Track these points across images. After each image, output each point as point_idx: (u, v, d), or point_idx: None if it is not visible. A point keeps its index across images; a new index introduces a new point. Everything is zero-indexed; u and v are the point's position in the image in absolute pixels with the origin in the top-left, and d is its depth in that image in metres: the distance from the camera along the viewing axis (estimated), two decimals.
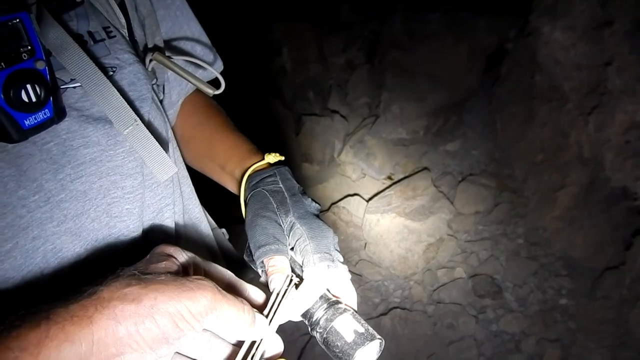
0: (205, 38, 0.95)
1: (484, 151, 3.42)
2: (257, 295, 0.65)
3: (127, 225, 0.68)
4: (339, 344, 0.63)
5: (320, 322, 0.65)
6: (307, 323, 0.68)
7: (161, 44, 0.84)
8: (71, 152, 0.62)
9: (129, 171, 0.68)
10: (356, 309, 0.69)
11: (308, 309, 0.67)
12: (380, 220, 3.42)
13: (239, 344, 0.58)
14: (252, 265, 0.74)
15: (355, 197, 3.62)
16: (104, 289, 0.49)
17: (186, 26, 0.91)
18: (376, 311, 2.98)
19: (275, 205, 0.74)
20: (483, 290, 2.98)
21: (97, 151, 0.65)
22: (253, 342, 0.59)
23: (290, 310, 0.65)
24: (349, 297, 0.69)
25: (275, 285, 0.66)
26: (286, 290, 0.66)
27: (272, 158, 0.83)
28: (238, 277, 1.00)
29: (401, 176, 3.67)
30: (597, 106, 2.64)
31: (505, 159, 3.29)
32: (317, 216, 0.74)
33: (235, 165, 0.88)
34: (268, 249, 0.69)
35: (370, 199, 3.58)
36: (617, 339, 2.50)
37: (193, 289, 0.51)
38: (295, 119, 3.99)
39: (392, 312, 2.93)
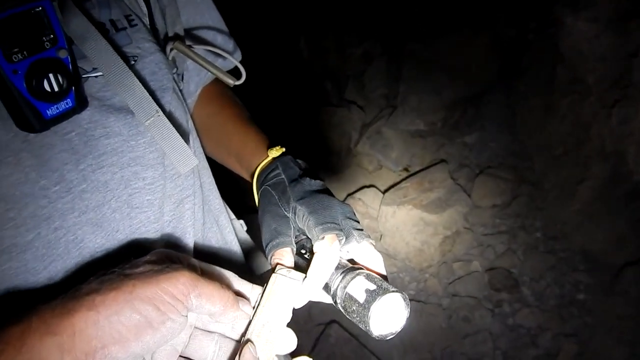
0: (224, 27, 0.95)
1: (503, 144, 3.38)
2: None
3: (147, 216, 0.67)
4: (355, 309, 0.61)
5: (337, 293, 0.64)
6: (332, 300, 0.66)
7: (181, 33, 0.83)
8: (92, 142, 0.62)
9: (150, 162, 0.67)
10: (383, 272, 0.67)
11: (326, 284, 0.65)
12: (397, 212, 3.40)
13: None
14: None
15: (371, 188, 3.59)
16: (84, 286, 0.50)
17: (207, 14, 0.90)
18: None
19: (277, 197, 0.73)
20: (499, 284, 2.96)
21: (119, 141, 0.64)
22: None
23: (286, 304, 0.62)
24: (372, 261, 0.67)
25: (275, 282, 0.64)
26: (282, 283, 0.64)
27: (275, 152, 0.81)
28: (257, 270, 1.01)
29: (418, 168, 3.64)
30: (620, 99, 2.59)
31: (524, 152, 3.25)
32: (321, 191, 0.73)
33: (247, 162, 0.88)
34: (271, 246, 0.69)
35: (386, 190, 3.56)
36: (637, 335, 2.46)
37: (171, 272, 0.52)
38: (311, 109, 3.98)
39: None
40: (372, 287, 0.61)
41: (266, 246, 0.69)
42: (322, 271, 0.63)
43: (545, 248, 3.01)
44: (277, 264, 0.67)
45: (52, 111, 0.56)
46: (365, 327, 0.61)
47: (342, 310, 0.64)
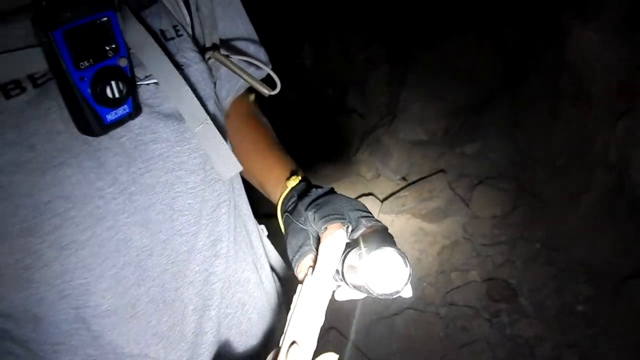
0: (256, 38, 0.96)
1: (503, 154, 3.38)
2: None
3: (188, 219, 0.71)
4: (354, 276, 0.64)
5: (340, 270, 0.66)
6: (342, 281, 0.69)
7: (217, 43, 0.85)
8: (142, 146, 0.65)
9: (193, 167, 0.71)
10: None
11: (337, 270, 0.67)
12: (395, 221, 3.37)
13: None
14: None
15: (370, 196, 3.57)
16: None
17: (241, 26, 0.91)
18: (388, 311, 2.92)
19: (294, 217, 0.77)
20: (497, 294, 2.92)
21: (166, 147, 0.67)
22: None
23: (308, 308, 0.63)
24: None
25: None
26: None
27: (293, 182, 0.85)
28: (281, 274, 1.08)
29: (416, 177, 3.62)
30: (626, 110, 2.59)
31: (525, 162, 3.24)
32: (327, 193, 0.77)
33: (270, 193, 0.92)
34: (294, 260, 0.72)
35: (385, 199, 3.53)
36: (638, 346, 2.42)
37: None
38: (313, 116, 3.96)
39: (405, 312, 2.87)
40: (364, 249, 0.62)
41: (292, 262, 0.73)
42: (327, 258, 0.65)
43: (545, 259, 2.97)
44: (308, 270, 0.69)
45: (111, 116, 0.59)
46: (367, 289, 0.61)
47: (350, 286, 0.66)
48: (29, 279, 0.59)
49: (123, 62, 0.59)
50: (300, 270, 0.70)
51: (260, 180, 0.95)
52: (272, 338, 0.93)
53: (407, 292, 0.66)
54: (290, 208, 0.81)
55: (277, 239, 0.93)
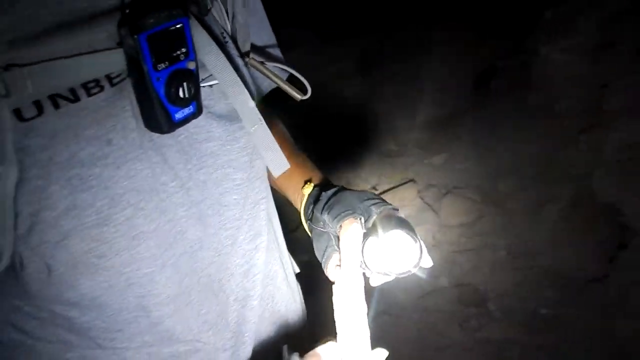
0: (277, 44, 1.00)
1: (471, 165, 3.53)
2: None
3: (233, 214, 0.76)
4: (376, 266, 0.71)
5: (365, 262, 0.72)
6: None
7: (249, 49, 0.89)
8: (197, 144, 0.70)
9: (241, 165, 0.76)
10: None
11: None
12: None
13: None
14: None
15: None
16: None
17: (266, 33, 0.96)
18: None
19: (315, 225, 0.84)
20: (467, 299, 3.04)
21: (217, 145, 0.72)
22: None
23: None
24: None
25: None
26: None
27: (307, 189, 0.90)
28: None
29: (386, 187, 3.71)
30: (591, 126, 2.79)
31: (492, 174, 3.40)
32: (337, 192, 0.83)
33: (292, 200, 0.97)
34: (322, 264, 0.80)
35: None
36: (603, 349, 2.59)
37: None
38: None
39: (379, 317, 2.93)
40: (373, 237, 0.70)
41: (322, 265, 0.80)
42: (348, 252, 0.71)
43: (511, 266, 3.12)
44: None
45: (179, 115, 0.64)
46: (387, 271, 0.70)
47: (372, 270, 0.73)
48: (101, 267, 0.61)
49: (192, 65, 0.64)
50: (330, 271, 0.77)
51: (281, 187, 1.00)
52: (296, 332, 0.98)
53: (427, 262, 0.75)
54: (310, 215, 0.87)
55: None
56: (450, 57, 3.74)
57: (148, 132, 0.63)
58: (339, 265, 0.75)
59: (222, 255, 0.76)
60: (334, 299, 0.71)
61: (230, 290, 0.78)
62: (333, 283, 0.73)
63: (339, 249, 0.75)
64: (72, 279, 0.61)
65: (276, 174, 0.80)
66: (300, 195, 0.91)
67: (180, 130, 0.66)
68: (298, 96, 0.83)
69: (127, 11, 0.58)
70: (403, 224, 0.73)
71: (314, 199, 0.87)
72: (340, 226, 0.74)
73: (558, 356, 2.69)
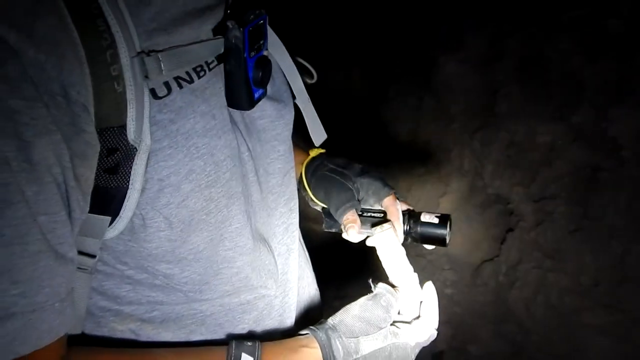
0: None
1: (372, 163, 3.81)
2: None
3: (277, 181, 0.87)
4: (430, 231, 0.95)
5: (414, 228, 0.96)
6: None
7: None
8: (254, 121, 0.81)
9: (283, 139, 0.87)
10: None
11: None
12: None
13: None
14: (332, 230, 1.00)
15: None
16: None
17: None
18: None
19: (338, 178, 0.97)
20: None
21: (267, 122, 0.83)
22: None
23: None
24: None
25: (351, 234, 0.92)
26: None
27: (315, 152, 1.05)
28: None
29: None
30: (481, 126, 3.21)
31: (391, 172, 3.71)
32: (366, 167, 1.01)
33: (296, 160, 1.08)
34: (344, 208, 0.93)
35: None
36: (499, 317, 3.00)
37: None
38: None
39: None
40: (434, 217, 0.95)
41: (337, 209, 0.93)
42: (399, 219, 0.94)
43: (415, 253, 3.44)
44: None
45: (257, 95, 0.75)
46: (443, 237, 0.94)
47: (419, 238, 0.95)
48: (207, 222, 0.70)
49: (267, 54, 0.77)
50: (348, 218, 0.92)
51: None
52: (314, 289, 1.11)
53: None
54: (327, 169, 0.99)
55: None
56: (350, 65, 4.00)
57: (228, 109, 0.74)
58: (361, 216, 0.93)
59: (270, 216, 0.87)
60: (378, 251, 0.88)
61: (275, 244, 0.89)
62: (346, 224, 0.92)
63: (366, 215, 0.95)
64: (185, 234, 0.68)
65: (317, 142, 0.99)
66: (305, 156, 1.05)
67: None
68: (308, 80, 0.96)
69: (229, 12, 0.71)
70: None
71: (331, 159, 1.02)
72: (387, 197, 0.95)
73: (461, 328, 3.05)
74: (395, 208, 0.94)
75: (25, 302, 0.54)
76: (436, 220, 0.94)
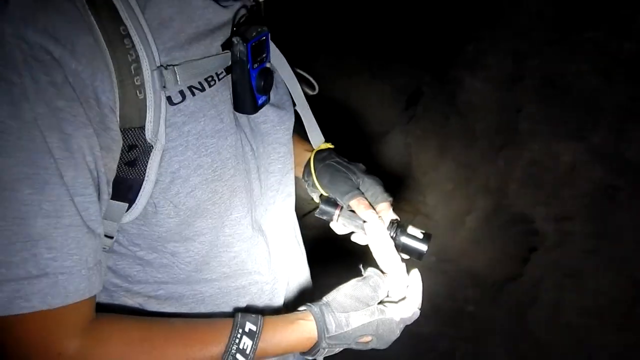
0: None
1: (400, 179, 3.88)
2: None
3: (276, 179, 0.97)
4: (413, 245, 1.02)
5: (398, 237, 1.01)
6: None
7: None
8: (256, 125, 0.91)
9: (284, 142, 0.97)
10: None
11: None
12: None
13: None
14: (324, 217, 1.07)
15: None
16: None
17: None
18: None
19: (344, 170, 1.06)
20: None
21: (270, 127, 0.94)
22: None
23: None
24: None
25: (371, 223, 0.99)
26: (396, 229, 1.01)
27: (324, 145, 1.13)
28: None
29: None
30: (506, 145, 3.23)
31: (418, 188, 3.77)
32: (370, 171, 1.10)
33: (301, 151, 1.17)
34: (351, 195, 1.01)
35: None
36: (518, 336, 2.98)
37: None
38: None
39: None
40: (416, 230, 1.02)
41: (345, 194, 1.01)
42: (387, 221, 1.03)
43: (438, 269, 3.48)
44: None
45: (260, 101, 0.86)
46: (421, 252, 1.01)
47: (400, 247, 1.01)
48: (211, 211, 0.81)
49: (269, 65, 0.88)
50: (359, 202, 0.99)
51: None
52: (306, 276, 1.20)
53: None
54: (334, 160, 1.08)
55: None
56: (382, 85, 4.11)
57: (236, 114, 0.85)
58: (368, 206, 1.00)
59: (268, 211, 0.97)
60: (370, 236, 0.99)
61: (270, 236, 0.99)
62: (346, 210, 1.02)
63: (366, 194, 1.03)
64: (191, 219, 0.79)
65: (315, 144, 1.10)
66: (310, 147, 1.15)
67: None
68: (310, 92, 1.07)
69: (234, 29, 0.83)
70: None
71: (337, 154, 1.11)
72: (383, 203, 1.03)
73: (480, 345, 3.05)
74: (386, 213, 1.02)
75: (57, 265, 0.65)
76: (421, 236, 1.01)
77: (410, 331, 3.04)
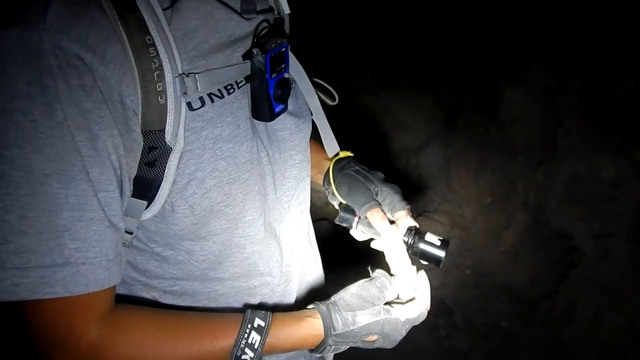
0: None
1: (438, 192, 3.88)
2: None
3: (291, 185, 0.99)
4: (431, 251, 1.02)
5: (415, 243, 1.03)
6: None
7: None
8: (275, 132, 0.94)
9: (300, 149, 0.99)
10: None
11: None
12: None
13: None
14: (343, 224, 1.10)
15: (325, 221, 3.87)
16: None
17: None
18: None
19: (362, 179, 1.08)
20: (436, 311, 3.33)
21: (287, 134, 0.96)
22: None
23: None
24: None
25: (386, 231, 1.01)
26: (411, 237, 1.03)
27: (344, 154, 1.16)
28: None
29: None
30: (545, 159, 3.19)
31: (457, 200, 3.76)
32: (389, 180, 1.11)
33: (319, 159, 1.20)
34: (369, 205, 1.03)
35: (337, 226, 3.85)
36: (553, 353, 2.93)
37: None
38: None
39: None
40: (435, 237, 1.03)
41: (363, 205, 1.03)
42: (405, 229, 1.05)
43: (473, 283, 3.45)
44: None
45: (277, 109, 0.89)
46: (440, 259, 1.02)
47: (418, 254, 1.02)
48: (225, 213, 0.84)
49: (288, 76, 0.91)
50: (374, 213, 1.01)
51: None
52: (319, 277, 1.23)
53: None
54: (353, 169, 1.10)
55: None
56: (422, 97, 4.14)
57: (254, 121, 0.88)
58: (386, 218, 1.02)
59: (282, 215, 0.99)
60: (384, 243, 1.01)
61: (284, 240, 1.00)
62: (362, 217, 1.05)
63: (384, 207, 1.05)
64: (206, 219, 0.82)
65: (330, 154, 1.13)
66: (327, 156, 1.17)
67: None
68: (329, 102, 1.09)
69: (255, 40, 0.86)
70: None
71: (356, 163, 1.13)
72: (401, 211, 1.04)
73: None
74: (404, 221, 1.03)
75: (79, 255, 0.68)
76: (438, 243, 1.01)
77: (442, 344, 3.06)
